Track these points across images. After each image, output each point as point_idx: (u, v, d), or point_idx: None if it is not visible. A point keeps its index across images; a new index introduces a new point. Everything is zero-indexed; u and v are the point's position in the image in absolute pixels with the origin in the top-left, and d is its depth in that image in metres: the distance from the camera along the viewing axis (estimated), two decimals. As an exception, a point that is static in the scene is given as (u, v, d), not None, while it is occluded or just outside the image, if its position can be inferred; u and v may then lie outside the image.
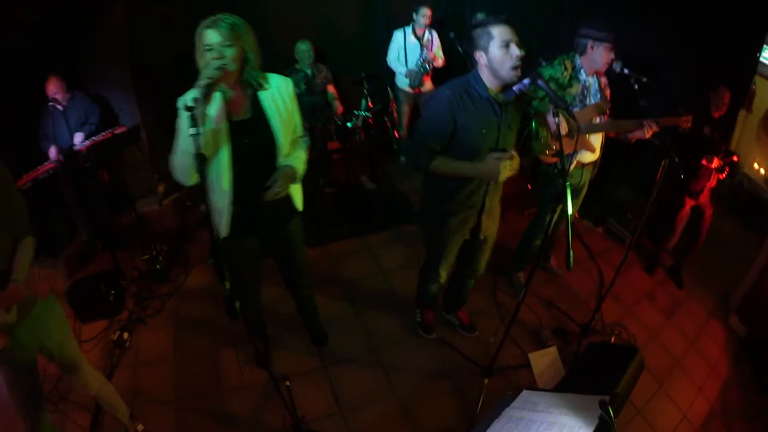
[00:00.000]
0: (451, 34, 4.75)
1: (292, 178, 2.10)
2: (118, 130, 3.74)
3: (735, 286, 3.51)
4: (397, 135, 5.30)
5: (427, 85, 4.94)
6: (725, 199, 4.29)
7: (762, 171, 4.39)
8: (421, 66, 4.76)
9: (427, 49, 4.76)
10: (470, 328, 3.10)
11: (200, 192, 3.53)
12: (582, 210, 3.83)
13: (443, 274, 2.73)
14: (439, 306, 3.18)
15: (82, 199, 3.94)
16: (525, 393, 1.70)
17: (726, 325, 3.42)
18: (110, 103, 4.30)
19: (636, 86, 2.66)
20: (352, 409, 2.70)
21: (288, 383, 2.76)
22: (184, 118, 1.77)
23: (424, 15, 4.68)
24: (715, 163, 3.29)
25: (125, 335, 3.24)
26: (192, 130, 1.64)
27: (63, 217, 4.01)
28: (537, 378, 2.59)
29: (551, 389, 1.78)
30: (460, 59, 4.62)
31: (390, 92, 5.18)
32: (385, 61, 4.92)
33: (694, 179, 3.37)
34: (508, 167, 2.03)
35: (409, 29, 4.78)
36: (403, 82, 4.92)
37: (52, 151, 3.55)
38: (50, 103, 3.66)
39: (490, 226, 2.52)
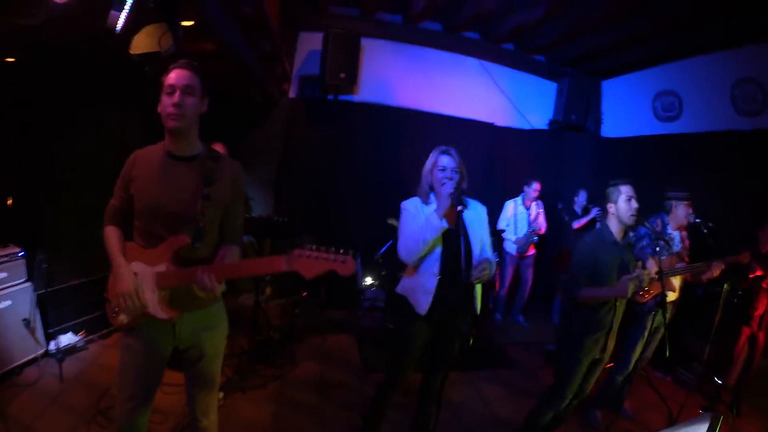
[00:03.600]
0: (559, 205, 5.43)
1: (489, 268, 2.57)
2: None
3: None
4: (497, 294, 5.74)
5: (530, 251, 5.48)
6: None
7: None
8: (530, 236, 5.36)
9: (536, 222, 5.42)
10: None
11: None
12: (653, 361, 4.14)
13: (567, 399, 2.96)
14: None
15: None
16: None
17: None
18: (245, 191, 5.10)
19: (705, 230, 3.45)
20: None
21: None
22: (434, 218, 2.54)
23: (534, 189, 5.42)
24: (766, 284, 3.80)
25: (220, 394, 3.24)
26: (439, 224, 2.51)
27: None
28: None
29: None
30: (556, 226, 5.56)
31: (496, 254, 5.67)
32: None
33: (751, 305, 3.85)
34: (632, 286, 2.62)
35: (519, 200, 5.51)
36: (511, 248, 5.48)
37: None
38: None
39: (611, 347, 2.93)
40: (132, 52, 2.68)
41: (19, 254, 3.33)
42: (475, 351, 4.77)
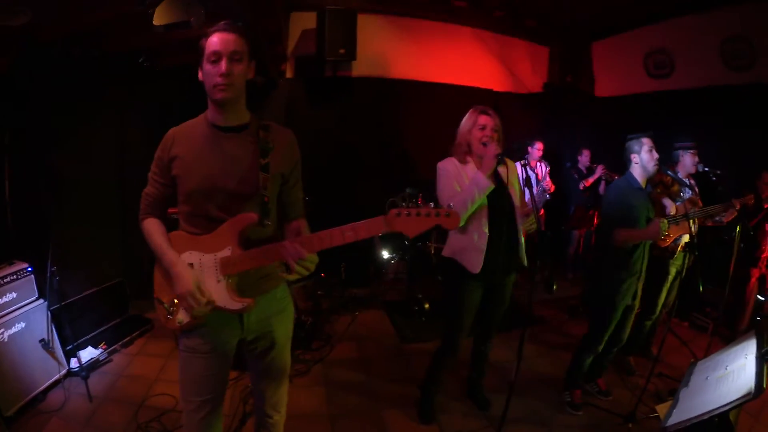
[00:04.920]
0: (567, 164, 5.47)
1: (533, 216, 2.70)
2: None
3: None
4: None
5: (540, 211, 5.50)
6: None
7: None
8: (542, 194, 5.40)
9: (543, 181, 5.47)
10: (607, 393, 3.43)
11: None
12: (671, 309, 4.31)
13: (603, 343, 3.11)
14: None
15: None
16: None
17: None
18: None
19: (713, 178, 3.54)
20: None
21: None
22: (480, 178, 2.52)
23: (537, 148, 5.50)
24: None
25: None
26: (487, 183, 2.49)
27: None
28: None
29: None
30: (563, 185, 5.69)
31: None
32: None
33: (757, 247, 4.13)
34: (665, 227, 2.77)
35: (524, 161, 5.44)
36: (521, 211, 5.46)
37: None
38: None
39: (640, 294, 3.07)
40: (155, 23, 2.58)
41: (28, 270, 3.07)
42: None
